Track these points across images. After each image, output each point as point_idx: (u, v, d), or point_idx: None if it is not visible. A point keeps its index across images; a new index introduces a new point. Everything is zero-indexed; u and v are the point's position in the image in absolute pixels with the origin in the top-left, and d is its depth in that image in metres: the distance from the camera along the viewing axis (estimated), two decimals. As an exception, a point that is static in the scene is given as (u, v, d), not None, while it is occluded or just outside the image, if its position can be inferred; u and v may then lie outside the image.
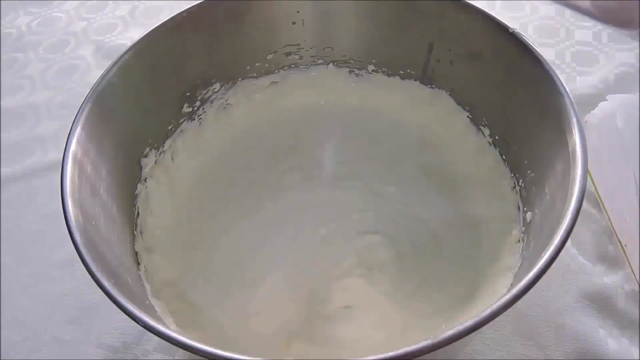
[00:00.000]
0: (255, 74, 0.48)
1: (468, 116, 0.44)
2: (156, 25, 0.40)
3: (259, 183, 0.44)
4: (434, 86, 0.46)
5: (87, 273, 0.28)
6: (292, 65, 0.48)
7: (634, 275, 0.41)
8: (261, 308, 0.38)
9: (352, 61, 0.48)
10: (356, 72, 0.49)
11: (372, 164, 0.45)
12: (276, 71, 0.48)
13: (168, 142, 0.44)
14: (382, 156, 0.46)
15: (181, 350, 0.25)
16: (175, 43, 0.41)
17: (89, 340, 0.42)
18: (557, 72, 0.35)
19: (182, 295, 0.38)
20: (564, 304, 0.41)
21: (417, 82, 0.47)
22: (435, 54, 0.44)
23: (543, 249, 0.28)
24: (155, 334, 0.26)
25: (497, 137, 0.42)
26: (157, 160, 0.43)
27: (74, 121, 0.34)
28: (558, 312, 0.40)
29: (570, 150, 0.31)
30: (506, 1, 0.65)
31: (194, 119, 0.46)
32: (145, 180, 0.41)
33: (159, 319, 0.31)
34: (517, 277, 0.33)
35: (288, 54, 0.48)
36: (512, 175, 0.40)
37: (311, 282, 0.39)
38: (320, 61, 0.49)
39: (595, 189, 0.46)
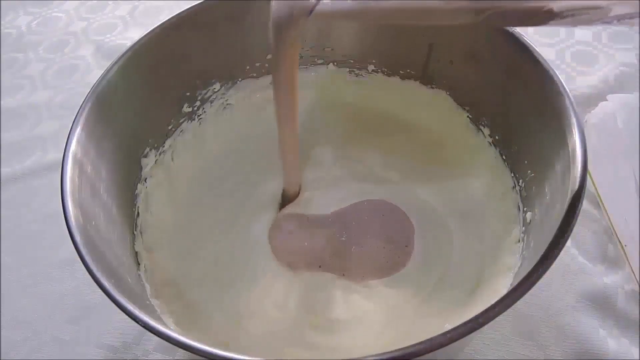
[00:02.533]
0: (255, 74, 0.48)
1: (468, 116, 0.44)
2: (156, 25, 0.40)
3: (259, 182, 0.44)
4: (434, 86, 0.46)
5: (87, 273, 0.28)
6: (292, 65, 0.48)
7: (634, 275, 0.41)
8: (260, 310, 0.37)
9: (352, 61, 0.48)
10: (356, 72, 0.49)
11: (372, 159, 0.45)
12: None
13: (168, 142, 0.44)
14: (383, 152, 0.46)
15: (181, 350, 0.25)
16: (175, 43, 0.41)
17: (89, 340, 0.42)
18: (557, 72, 0.35)
19: (181, 295, 0.38)
20: (564, 304, 0.41)
21: (417, 82, 0.47)
22: (435, 54, 0.44)
23: (543, 249, 0.28)
24: (155, 334, 0.26)
25: (497, 137, 0.42)
26: (157, 160, 0.43)
27: (74, 121, 0.34)
28: (558, 312, 0.40)
29: (570, 150, 0.31)
30: (506, 1, 0.65)
31: (194, 119, 0.46)
32: (145, 180, 0.41)
33: (159, 319, 0.31)
34: (517, 277, 0.33)
35: (288, 54, 0.48)
36: (512, 175, 0.40)
37: (312, 281, 0.39)
38: (320, 61, 0.49)
39: (595, 189, 0.46)
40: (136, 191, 0.40)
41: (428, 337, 0.24)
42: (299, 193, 0.43)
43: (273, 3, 0.30)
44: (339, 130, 0.48)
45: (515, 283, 0.27)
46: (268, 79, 0.48)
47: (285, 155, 0.39)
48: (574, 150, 0.31)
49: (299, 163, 0.41)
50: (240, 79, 0.47)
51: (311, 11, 0.28)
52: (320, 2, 0.27)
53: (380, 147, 0.46)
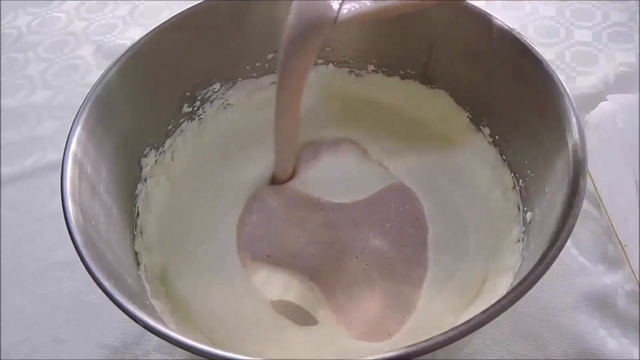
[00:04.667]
0: (255, 74, 0.48)
1: (468, 116, 0.44)
2: (156, 25, 0.40)
3: (259, 182, 0.44)
4: (434, 86, 0.46)
5: (87, 273, 0.28)
6: (292, 65, 0.48)
7: (634, 275, 0.41)
8: (257, 312, 0.37)
9: (352, 61, 0.48)
10: (356, 72, 0.49)
11: (373, 156, 0.45)
12: (276, 71, 0.48)
13: (168, 142, 0.44)
14: (384, 149, 0.46)
15: (181, 350, 0.25)
16: (175, 43, 0.41)
17: (89, 340, 0.42)
18: (557, 72, 0.35)
19: (176, 295, 0.38)
20: (564, 304, 0.41)
21: (417, 82, 0.47)
22: (435, 54, 0.44)
23: (543, 249, 0.28)
24: (155, 334, 0.26)
25: (497, 137, 0.42)
26: (157, 160, 0.43)
27: (74, 121, 0.34)
28: (558, 312, 0.40)
29: (570, 150, 0.31)
30: (506, 1, 0.65)
31: (194, 119, 0.46)
32: (145, 180, 0.41)
33: (159, 319, 0.31)
34: (517, 277, 0.33)
35: (288, 54, 0.48)
36: (512, 175, 0.40)
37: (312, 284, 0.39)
38: (320, 61, 0.49)
39: (595, 189, 0.46)
40: (136, 191, 0.40)
41: (428, 335, 0.24)
42: (290, 178, 0.43)
43: (295, 5, 0.30)
44: (338, 129, 0.47)
45: (515, 283, 0.27)
46: (268, 79, 0.48)
47: (283, 139, 0.39)
48: (574, 150, 0.31)
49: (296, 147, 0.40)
50: (240, 79, 0.47)
51: (336, 19, 0.28)
52: (343, 8, 0.28)
53: (379, 144, 0.46)
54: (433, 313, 0.36)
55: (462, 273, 0.38)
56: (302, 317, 0.37)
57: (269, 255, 0.39)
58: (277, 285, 0.38)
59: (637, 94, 0.52)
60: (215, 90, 0.46)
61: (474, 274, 0.38)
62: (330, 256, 0.39)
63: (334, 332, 0.36)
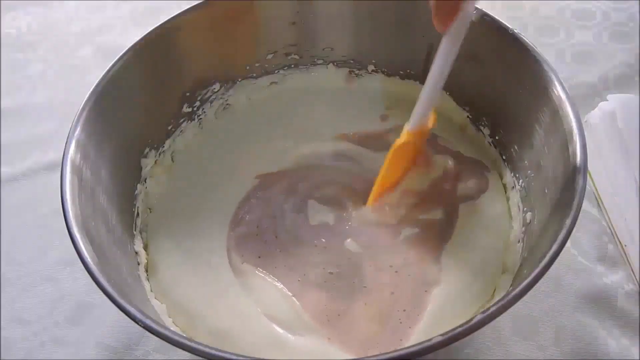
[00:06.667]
0: (255, 74, 0.48)
1: (468, 116, 0.44)
2: (156, 25, 0.40)
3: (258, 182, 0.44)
4: (434, 86, 0.46)
5: (87, 273, 0.28)
6: (292, 65, 0.48)
7: (634, 275, 0.41)
8: (247, 318, 0.37)
9: (352, 61, 0.48)
10: (356, 72, 0.49)
11: (374, 156, 0.45)
12: (276, 71, 0.48)
13: (168, 142, 0.44)
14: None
15: (181, 351, 0.25)
16: (175, 43, 0.42)
17: (89, 340, 0.42)
18: (557, 72, 0.35)
19: (173, 295, 0.38)
20: (564, 304, 0.41)
21: (417, 82, 0.47)
22: (435, 54, 0.44)
23: (543, 249, 0.28)
24: (155, 334, 0.26)
25: (497, 137, 0.42)
26: (157, 160, 0.43)
27: (73, 121, 0.35)
28: (558, 312, 0.40)
29: (570, 150, 0.31)
30: (506, 1, 0.65)
31: (194, 119, 0.46)
32: (145, 181, 0.41)
33: (159, 319, 0.31)
34: (517, 277, 0.33)
35: (288, 54, 0.48)
36: (512, 175, 0.40)
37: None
38: (320, 61, 0.49)
39: (595, 189, 0.46)
40: (136, 191, 0.40)
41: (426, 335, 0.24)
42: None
43: None
44: (338, 129, 0.47)
45: (515, 283, 0.27)
46: (268, 79, 0.48)
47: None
48: (574, 150, 0.31)
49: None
50: (240, 79, 0.47)
51: None
52: None
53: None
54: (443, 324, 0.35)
55: (476, 284, 0.37)
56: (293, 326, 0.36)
57: (259, 257, 0.39)
58: (263, 293, 0.37)
59: (637, 94, 0.52)
60: (215, 90, 0.46)
61: (485, 285, 0.37)
62: (327, 269, 0.38)
63: (325, 346, 0.35)
